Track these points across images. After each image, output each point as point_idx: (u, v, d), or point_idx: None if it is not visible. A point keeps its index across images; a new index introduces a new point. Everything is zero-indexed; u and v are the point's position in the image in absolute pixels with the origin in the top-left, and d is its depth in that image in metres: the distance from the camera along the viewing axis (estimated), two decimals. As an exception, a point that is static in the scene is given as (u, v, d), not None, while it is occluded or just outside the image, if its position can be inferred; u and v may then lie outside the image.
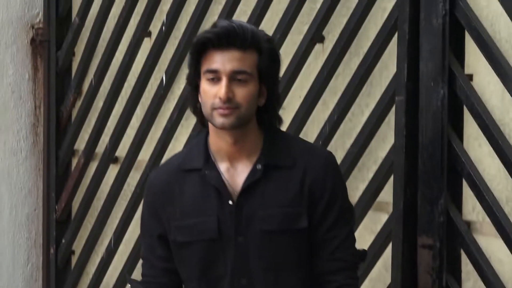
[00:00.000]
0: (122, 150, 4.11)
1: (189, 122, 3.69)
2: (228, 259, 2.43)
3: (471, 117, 2.75)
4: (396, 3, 2.89)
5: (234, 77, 2.30)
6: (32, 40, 4.46)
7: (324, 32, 3.24)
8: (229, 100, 2.28)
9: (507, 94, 2.62)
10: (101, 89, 4.25)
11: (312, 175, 2.43)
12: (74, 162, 4.58)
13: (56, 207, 4.54)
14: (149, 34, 3.96)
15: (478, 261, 2.76)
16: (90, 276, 4.41)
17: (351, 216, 2.53)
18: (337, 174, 2.52)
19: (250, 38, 2.32)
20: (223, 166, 2.42)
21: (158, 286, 2.55)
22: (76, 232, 4.46)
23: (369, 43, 3.00)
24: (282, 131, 2.58)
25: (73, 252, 4.58)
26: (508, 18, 2.62)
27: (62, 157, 4.51)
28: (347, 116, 3.14)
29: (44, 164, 4.65)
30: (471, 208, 2.83)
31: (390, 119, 2.93)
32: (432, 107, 2.82)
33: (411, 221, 2.88)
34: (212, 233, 2.41)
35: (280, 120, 2.52)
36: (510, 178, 2.68)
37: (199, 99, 2.37)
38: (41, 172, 4.64)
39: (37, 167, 4.66)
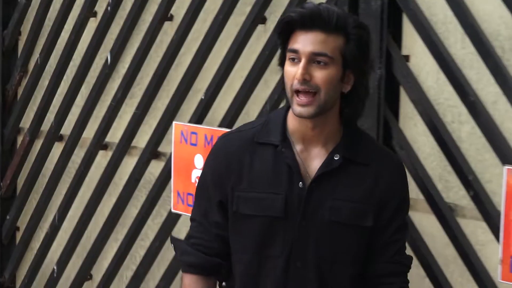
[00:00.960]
0: (67, 128, 4.09)
1: (133, 100, 3.69)
2: (287, 240, 2.39)
3: (407, 97, 2.77)
4: (336, -14, 2.91)
5: (313, 59, 2.23)
6: (-24, 22, 4.42)
7: (266, 13, 3.24)
8: (305, 82, 2.21)
9: (442, 75, 2.68)
10: (47, 68, 4.22)
11: (385, 179, 2.39)
12: (20, 140, 4.53)
13: (1, 184, 4.50)
14: (94, 14, 3.92)
15: (411, 236, 2.76)
16: (35, 251, 4.38)
17: (407, 222, 2.53)
18: (406, 180, 2.51)
19: (335, 21, 2.24)
20: (298, 147, 2.37)
21: (208, 251, 2.48)
22: (21, 208, 4.43)
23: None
24: (359, 128, 2.52)
25: (17, 228, 4.54)
26: (444, 1, 2.65)
27: (8, 135, 4.47)
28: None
29: (-10, 142, 4.56)
30: None
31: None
32: (369, 87, 2.78)
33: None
34: (278, 211, 2.36)
35: (360, 113, 2.44)
36: (444, 156, 2.73)
37: (285, 81, 2.32)
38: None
39: (-17, 145, 4.56)
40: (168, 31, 3.58)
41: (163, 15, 3.51)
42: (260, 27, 3.27)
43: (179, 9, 3.54)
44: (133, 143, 3.76)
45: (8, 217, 4.54)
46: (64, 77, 4.11)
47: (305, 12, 2.23)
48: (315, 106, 2.23)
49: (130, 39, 3.76)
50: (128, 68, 3.71)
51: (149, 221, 3.72)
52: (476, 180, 2.69)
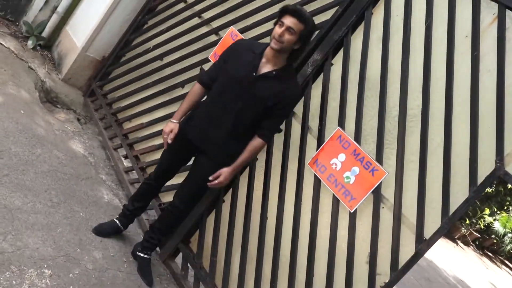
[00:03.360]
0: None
1: None
2: (236, 88, 2.72)
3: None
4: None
5: (288, 29, 2.59)
6: None
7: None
8: (280, 37, 2.59)
9: (339, 76, 3.06)
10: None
11: (287, 92, 2.73)
12: None
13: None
14: None
15: (287, 127, 3.25)
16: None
17: (286, 116, 2.88)
18: (296, 99, 2.87)
19: (304, 18, 2.60)
20: (263, 60, 2.72)
21: (210, 76, 2.84)
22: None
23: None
24: (292, 66, 2.83)
25: None
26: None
27: None
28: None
29: None
30: (298, 109, 3.30)
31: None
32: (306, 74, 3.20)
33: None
34: (239, 75, 2.71)
35: (296, 59, 2.78)
36: (319, 108, 3.14)
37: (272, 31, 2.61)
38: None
39: None
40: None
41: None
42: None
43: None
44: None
45: (148, 16, 4.61)
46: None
47: (294, 9, 2.59)
48: (279, 47, 2.61)
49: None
50: None
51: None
52: (324, 124, 3.01)
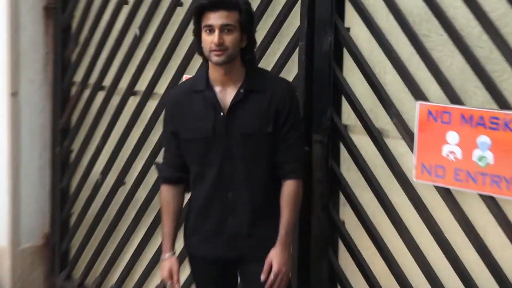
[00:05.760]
0: (107, 81, 3.58)
1: (155, 61, 3.23)
2: (218, 151, 2.21)
3: (349, 55, 2.53)
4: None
5: (223, 29, 2.10)
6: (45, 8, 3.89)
7: None
8: (220, 44, 2.09)
9: (373, 40, 2.43)
10: (92, 39, 3.66)
11: (277, 97, 2.20)
12: (73, 89, 3.88)
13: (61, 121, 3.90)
14: (127, 2, 3.38)
15: (352, 151, 2.58)
16: (84, 166, 3.84)
17: (301, 125, 2.30)
18: (293, 95, 2.29)
19: (233, 2, 2.13)
20: (217, 89, 2.20)
21: (173, 164, 2.35)
22: (74, 137, 3.88)
23: (280, 7, 2.69)
24: (257, 66, 2.37)
25: (71, 151, 3.95)
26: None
27: (65, 86, 3.90)
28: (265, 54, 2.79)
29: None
30: (347, 115, 2.61)
31: (295, 57, 2.64)
32: (323, 49, 2.56)
33: (307, 124, 2.60)
34: (209, 132, 2.19)
35: (255, 58, 2.31)
36: (374, 95, 2.48)
37: (202, 45, 2.15)
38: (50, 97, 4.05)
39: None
40: (179, 14, 3.15)
41: (176, 2, 3.07)
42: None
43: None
44: (155, 91, 3.32)
45: (65, 142, 4.00)
46: (105, 45, 3.58)
47: (213, 1, 2.12)
48: (225, 56, 2.12)
49: (152, 19, 3.28)
50: (151, 40, 3.25)
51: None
52: (397, 112, 2.41)
